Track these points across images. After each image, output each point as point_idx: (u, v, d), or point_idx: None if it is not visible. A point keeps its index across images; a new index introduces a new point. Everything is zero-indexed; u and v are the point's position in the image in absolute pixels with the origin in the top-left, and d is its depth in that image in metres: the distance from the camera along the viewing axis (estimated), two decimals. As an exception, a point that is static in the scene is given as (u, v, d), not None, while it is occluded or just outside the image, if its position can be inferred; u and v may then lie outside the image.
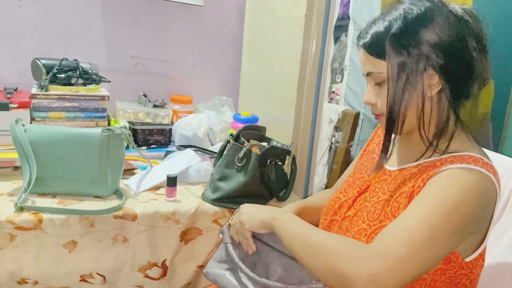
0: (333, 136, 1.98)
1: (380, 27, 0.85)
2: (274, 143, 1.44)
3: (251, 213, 0.96)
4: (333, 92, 2.29)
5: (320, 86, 1.58)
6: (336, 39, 2.27)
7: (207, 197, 1.33)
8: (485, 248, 0.88)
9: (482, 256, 0.87)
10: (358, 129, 2.01)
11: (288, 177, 1.46)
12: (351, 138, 1.94)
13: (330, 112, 2.08)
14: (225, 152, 1.37)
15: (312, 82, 1.54)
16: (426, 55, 0.82)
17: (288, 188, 1.44)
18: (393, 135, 0.90)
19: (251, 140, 1.39)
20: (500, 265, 1.15)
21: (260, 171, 1.31)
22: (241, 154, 1.31)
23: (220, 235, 1.03)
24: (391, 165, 0.97)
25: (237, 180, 1.31)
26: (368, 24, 0.90)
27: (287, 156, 1.43)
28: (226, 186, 1.31)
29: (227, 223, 1.05)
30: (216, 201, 1.31)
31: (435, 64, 0.82)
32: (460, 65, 0.83)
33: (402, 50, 0.83)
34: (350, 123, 1.94)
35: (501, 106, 1.97)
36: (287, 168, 1.46)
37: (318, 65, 1.52)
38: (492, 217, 0.85)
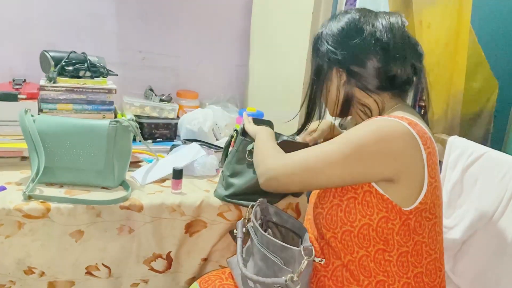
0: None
1: (319, 30, 1.10)
2: (284, 138, 1.43)
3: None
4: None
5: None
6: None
7: (220, 194, 1.32)
8: (423, 199, 0.94)
9: (422, 205, 0.94)
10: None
11: None
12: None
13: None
14: (234, 148, 1.37)
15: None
16: (327, 52, 1.04)
17: None
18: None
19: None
20: (500, 262, 1.16)
21: None
22: (250, 147, 1.30)
23: (235, 230, 1.10)
24: None
25: (249, 175, 1.30)
26: None
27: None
28: (239, 182, 1.30)
29: (242, 218, 1.12)
30: (230, 198, 1.30)
31: (334, 59, 1.03)
32: (353, 58, 1.01)
33: (315, 49, 1.09)
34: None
35: (504, 105, 1.98)
36: None
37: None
38: (423, 169, 0.92)
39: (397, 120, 0.91)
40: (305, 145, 1.35)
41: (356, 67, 1.01)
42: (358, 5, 2.16)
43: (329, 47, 1.04)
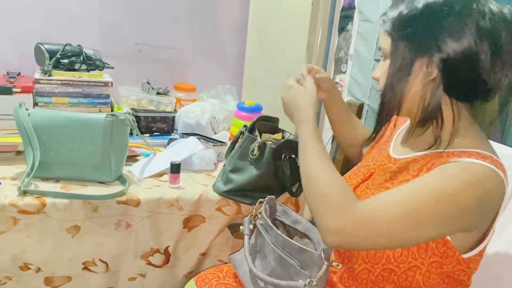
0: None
1: (395, 5, 0.87)
2: (288, 135, 1.42)
3: (294, 100, 1.02)
4: (337, 82, 2.28)
5: (325, 76, 1.58)
6: (342, 29, 2.25)
7: (218, 189, 1.30)
8: (485, 247, 0.87)
9: (481, 253, 0.87)
10: (362, 120, 2.00)
11: None
12: (355, 129, 1.93)
13: (334, 103, 2.07)
14: (238, 143, 1.36)
15: (317, 71, 1.53)
16: (425, 44, 0.82)
17: (300, 183, 1.40)
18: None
19: (263, 135, 1.36)
20: (501, 259, 1.15)
21: (274, 165, 1.28)
22: (253, 147, 1.29)
23: (241, 226, 1.07)
24: (398, 153, 0.97)
25: (250, 172, 1.28)
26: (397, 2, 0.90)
27: None
28: (239, 179, 1.29)
29: (250, 215, 1.08)
30: (228, 193, 1.29)
31: (432, 57, 0.81)
32: (460, 63, 0.80)
33: (405, 35, 0.84)
34: (354, 114, 1.92)
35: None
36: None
37: (324, 54, 1.52)
38: (496, 215, 0.84)
39: (493, 169, 0.78)
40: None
41: (451, 64, 0.80)
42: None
43: (421, 29, 0.81)
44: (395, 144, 1.01)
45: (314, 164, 0.86)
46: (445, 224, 0.77)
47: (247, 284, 1.01)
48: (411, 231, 0.76)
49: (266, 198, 1.08)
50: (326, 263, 0.87)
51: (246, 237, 1.04)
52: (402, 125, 1.08)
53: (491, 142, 0.91)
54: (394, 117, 1.05)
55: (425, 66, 0.82)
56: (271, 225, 0.99)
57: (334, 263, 0.87)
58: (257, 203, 1.09)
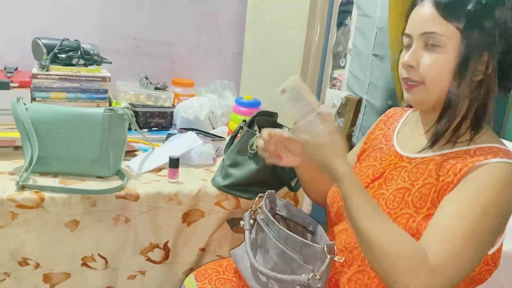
0: (336, 121, 1.98)
1: None
2: (286, 130, 1.41)
3: (320, 154, 0.86)
4: (335, 78, 2.28)
5: (323, 71, 1.58)
6: (340, 23, 2.25)
7: (217, 183, 1.30)
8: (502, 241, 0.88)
9: (500, 247, 0.87)
10: (360, 115, 2.00)
11: None
12: (353, 124, 1.93)
13: (333, 98, 2.07)
14: (237, 138, 1.35)
15: (315, 67, 1.54)
16: (494, 36, 0.80)
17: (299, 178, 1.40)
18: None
19: (262, 130, 1.36)
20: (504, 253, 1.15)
21: None
22: (252, 142, 1.28)
23: (242, 221, 1.05)
24: (407, 151, 0.94)
25: (249, 167, 1.29)
26: None
27: None
28: (238, 173, 1.29)
29: (250, 209, 1.07)
30: (227, 188, 1.29)
31: (498, 48, 0.80)
32: None
33: (479, 23, 0.80)
34: (352, 109, 1.92)
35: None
36: None
37: (322, 49, 1.52)
38: None
39: None
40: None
41: (508, 57, 0.81)
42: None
43: (496, 26, 0.80)
44: (400, 141, 0.99)
45: (369, 227, 0.79)
46: (495, 233, 0.80)
47: (249, 279, 1.00)
48: (477, 253, 0.78)
49: (266, 193, 1.07)
50: (329, 256, 0.86)
51: (246, 232, 1.03)
52: (395, 124, 1.05)
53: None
54: (382, 118, 1.07)
55: (486, 61, 0.82)
56: (273, 219, 0.98)
57: (336, 257, 0.87)
58: (257, 198, 1.08)
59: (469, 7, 0.80)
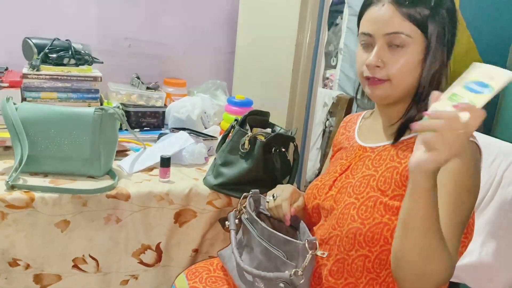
0: (327, 120, 1.98)
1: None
2: (278, 129, 1.42)
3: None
4: (327, 78, 2.29)
5: (315, 70, 1.58)
6: (331, 23, 2.26)
7: (209, 182, 1.30)
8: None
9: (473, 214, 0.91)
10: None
11: (291, 164, 1.41)
12: (345, 123, 1.94)
13: (324, 97, 2.07)
14: (229, 137, 1.36)
15: (307, 66, 1.54)
16: (447, 29, 0.86)
17: (291, 177, 1.40)
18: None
19: (254, 129, 1.36)
20: (490, 246, 1.16)
21: (265, 158, 1.29)
22: (243, 141, 1.29)
23: (227, 222, 1.06)
24: (368, 142, 0.99)
25: (241, 166, 1.29)
26: None
27: (291, 143, 1.39)
28: (229, 172, 1.29)
29: (234, 210, 1.08)
30: (218, 187, 1.29)
31: (449, 40, 0.87)
32: (453, 43, 0.88)
33: (438, 20, 0.85)
34: (344, 108, 1.94)
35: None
36: (290, 155, 1.43)
37: (314, 49, 1.52)
38: None
39: (475, 142, 0.85)
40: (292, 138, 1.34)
41: (451, 54, 0.90)
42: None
43: (447, 19, 0.87)
44: (362, 137, 1.03)
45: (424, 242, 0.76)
46: (471, 209, 0.83)
47: (235, 279, 1.01)
48: (462, 231, 0.81)
49: (250, 192, 1.08)
50: (310, 252, 0.87)
51: (232, 232, 1.03)
52: (354, 126, 1.09)
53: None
54: (341, 124, 1.13)
55: (443, 54, 0.88)
56: (256, 218, 0.99)
57: (319, 252, 0.88)
58: (241, 198, 1.08)
59: (428, 7, 0.85)
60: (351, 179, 0.96)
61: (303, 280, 0.87)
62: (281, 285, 0.87)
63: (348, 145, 1.06)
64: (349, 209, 0.91)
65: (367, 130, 1.04)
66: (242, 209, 1.05)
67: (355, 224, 0.88)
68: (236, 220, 1.06)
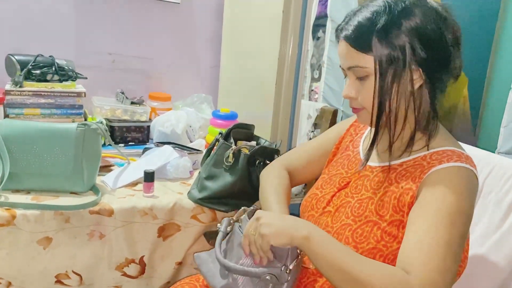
0: (312, 131, 2.00)
1: (363, 19, 0.85)
2: (263, 142, 1.42)
3: (275, 226, 0.84)
4: (313, 90, 2.31)
5: (298, 83, 1.60)
6: (313, 37, 2.29)
7: (193, 196, 1.30)
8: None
9: (467, 241, 0.90)
10: (336, 126, 2.02)
11: None
12: (330, 135, 1.96)
13: (309, 109, 2.09)
14: (213, 151, 1.36)
15: (290, 79, 1.55)
16: (410, 49, 0.83)
17: None
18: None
19: (238, 142, 1.37)
20: (473, 255, 1.17)
21: (249, 171, 1.29)
22: (228, 154, 1.29)
23: (219, 224, 1.03)
24: (372, 160, 0.97)
25: (225, 180, 1.29)
26: (349, 16, 0.89)
27: (275, 156, 1.39)
28: (213, 186, 1.29)
29: (230, 218, 1.04)
30: (203, 201, 1.28)
31: (418, 58, 0.83)
32: (439, 59, 0.85)
33: (389, 44, 0.83)
34: (328, 119, 1.95)
35: (477, 103, 2.02)
36: None
37: (296, 62, 1.54)
38: None
39: (470, 169, 0.84)
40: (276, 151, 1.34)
41: (439, 72, 0.86)
42: (330, 5, 2.18)
43: (408, 39, 0.83)
44: (367, 152, 1.00)
45: (350, 266, 0.76)
46: (465, 236, 0.81)
47: (211, 280, 0.97)
48: (456, 261, 0.78)
49: (252, 207, 1.04)
50: (299, 251, 0.86)
51: (220, 234, 1.00)
52: (363, 130, 1.08)
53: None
54: (353, 123, 1.09)
55: (412, 74, 0.84)
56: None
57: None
58: (241, 209, 1.05)
59: (375, 34, 0.83)
60: (350, 198, 0.94)
61: (289, 278, 0.85)
62: (267, 277, 0.85)
63: (352, 154, 1.04)
64: (345, 230, 0.90)
65: (368, 144, 1.01)
66: (238, 220, 1.02)
67: (348, 247, 0.87)
68: (228, 228, 1.02)
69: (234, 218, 1.04)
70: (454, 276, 0.78)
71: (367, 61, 0.85)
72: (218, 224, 1.04)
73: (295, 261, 0.87)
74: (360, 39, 0.84)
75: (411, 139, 0.89)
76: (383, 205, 0.87)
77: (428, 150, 0.88)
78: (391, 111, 0.86)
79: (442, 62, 0.85)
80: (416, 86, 0.86)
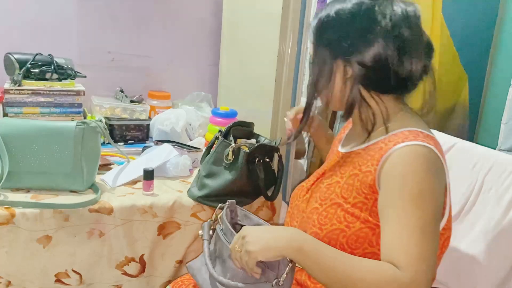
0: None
1: (319, 15, 0.94)
2: (262, 140, 1.42)
3: (262, 242, 0.82)
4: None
5: (297, 81, 1.59)
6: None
7: (193, 194, 1.30)
8: (450, 215, 0.92)
9: (449, 222, 0.91)
10: (336, 124, 2.02)
11: (276, 175, 1.40)
12: (330, 132, 1.96)
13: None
14: (213, 148, 1.36)
15: (289, 77, 1.55)
16: (336, 44, 0.90)
17: (276, 187, 1.39)
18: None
19: (238, 140, 1.36)
20: (473, 252, 1.17)
21: (248, 169, 1.29)
22: (227, 152, 1.29)
23: (200, 231, 1.03)
24: (344, 147, 1.03)
25: (225, 177, 1.29)
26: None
27: (275, 154, 1.39)
28: (213, 184, 1.29)
29: (209, 219, 1.05)
30: (202, 199, 1.28)
31: (344, 53, 0.90)
32: (371, 62, 0.89)
33: (323, 39, 0.93)
34: (328, 118, 1.95)
35: (475, 98, 2.02)
36: (275, 166, 1.42)
37: (295, 59, 1.53)
38: (446, 184, 0.88)
39: (427, 146, 0.83)
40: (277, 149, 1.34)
41: (364, 63, 0.89)
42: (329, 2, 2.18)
43: (335, 35, 0.91)
44: (344, 140, 1.07)
45: (343, 270, 0.79)
46: (438, 214, 0.82)
47: None
48: (434, 240, 0.80)
49: (227, 203, 1.04)
50: (290, 263, 0.84)
51: (205, 242, 0.99)
52: (349, 125, 1.12)
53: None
54: (347, 123, 1.14)
55: (343, 67, 0.91)
56: (231, 229, 0.95)
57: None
58: (217, 208, 1.05)
59: (314, 29, 0.95)
60: (322, 184, 0.99)
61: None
62: None
63: (335, 148, 1.09)
64: (313, 213, 0.94)
65: (349, 134, 1.07)
66: (217, 220, 1.03)
67: (314, 229, 0.92)
68: (211, 231, 1.02)
69: (213, 218, 1.04)
70: (436, 256, 0.80)
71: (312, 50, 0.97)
72: (200, 231, 1.03)
73: (287, 270, 0.84)
74: (311, 31, 0.97)
75: (367, 125, 0.94)
76: (348, 187, 0.91)
77: (387, 133, 0.91)
78: (313, 97, 0.98)
79: (365, 56, 0.89)
80: (347, 76, 0.92)
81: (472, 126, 2.02)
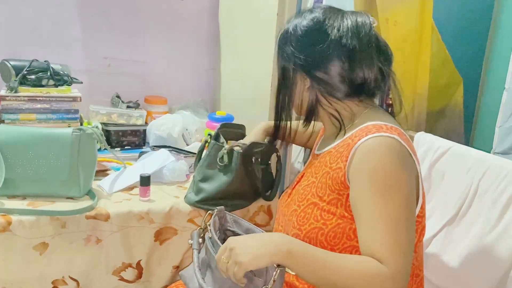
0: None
1: (282, 31, 1.03)
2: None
3: (252, 251, 0.81)
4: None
5: (294, 85, 1.60)
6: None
7: (190, 200, 1.30)
8: (424, 202, 0.93)
9: (423, 209, 0.93)
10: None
11: (274, 176, 1.41)
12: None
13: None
14: (205, 152, 1.35)
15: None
16: (292, 56, 0.97)
17: (274, 188, 1.39)
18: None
19: (229, 142, 1.36)
20: (469, 255, 1.18)
21: (246, 170, 1.29)
22: (221, 154, 1.29)
23: (190, 240, 1.02)
24: (318, 149, 1.07)
25: (220, 180, 1.29)
26: None
27: (273, 154, 1.38)
28: (209, 187, 1.29)
29: (199, 228, 1.04)
30: (200, 203, 1.28)
31: (299, 64, 0.97)
32: (315, 62, 0.96)
33: (282, 51, 1.01)
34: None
35: (470, 101, 2.02)
36: (273, 168, 1.41)
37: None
38: (418, 172, 0.90)
39: (390, 136, 0.86)
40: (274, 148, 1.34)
41: (319, 73, 0.96)
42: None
43: (292, 49, 0.98)
44: (320, 144, 1.11)
45: (331, 271, 0.80)
46: (410, 203, 0.85)
47: None
48: (411, 229, 0.83)
49: (215, 210, 1.03)
50: (278, 268, 0.82)
51: (195, 252, 0.98)
52: None
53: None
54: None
55: (301, 78, 0.98)
56: (217, 240, 0.93)
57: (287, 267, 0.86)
58: (206, 215, 1.04)
59: (277, 43, 1.03)
60: (300, 187, 1.02)
61: None
62: None
63: (312, 151, 1.13)
64: (292, 216, 0.97)
65: (324, 137, 1.10)
66: (207, 227, 1.01)
67: (294, 231, 0.94)
68: (200, 239, 1.01)
69: (202, 226, 1.02)
70: (413, 244, 0.83)
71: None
72: (190, 240, 1.01)
73: (274, 276, 0.82)
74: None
75: (337, 126, 0.99)
76: (321, 186, 0.94)
77: (353, 130, 0.94)
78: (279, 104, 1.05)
79: (320, 67, 0.95)
80: (305, 87, 0.98)
81: (468, 129, 2.03)
